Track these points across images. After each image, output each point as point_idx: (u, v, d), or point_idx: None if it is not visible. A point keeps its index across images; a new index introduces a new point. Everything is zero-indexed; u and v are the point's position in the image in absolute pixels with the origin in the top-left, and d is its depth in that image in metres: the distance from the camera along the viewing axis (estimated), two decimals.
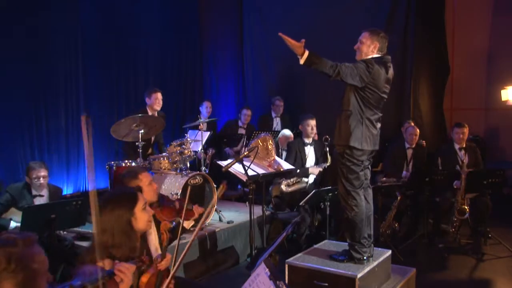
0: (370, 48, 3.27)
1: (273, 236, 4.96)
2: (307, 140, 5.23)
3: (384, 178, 5.37)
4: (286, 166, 4.79)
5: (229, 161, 3.98)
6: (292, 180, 5.08)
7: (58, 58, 5.87)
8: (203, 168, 5.27)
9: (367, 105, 3.22)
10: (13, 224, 3.87)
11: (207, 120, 6.17)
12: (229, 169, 3.87)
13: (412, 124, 6.06)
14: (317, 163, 5.23)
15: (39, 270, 1.33)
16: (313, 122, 5.19)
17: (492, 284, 4.12)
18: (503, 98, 6.86)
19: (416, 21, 6.77)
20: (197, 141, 5.28)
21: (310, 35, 7.69)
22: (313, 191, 4.55)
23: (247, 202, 5.09)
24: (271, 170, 4.57)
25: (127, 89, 6.71)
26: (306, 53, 3.04)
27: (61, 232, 4.01)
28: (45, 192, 4.10)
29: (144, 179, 2.79)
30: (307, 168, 5.12)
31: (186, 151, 4.74)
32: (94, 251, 1.85)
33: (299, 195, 5.05)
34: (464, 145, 5.33)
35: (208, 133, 5.82)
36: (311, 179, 5.21)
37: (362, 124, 3.21)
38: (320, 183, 5.20)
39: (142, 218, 2.12)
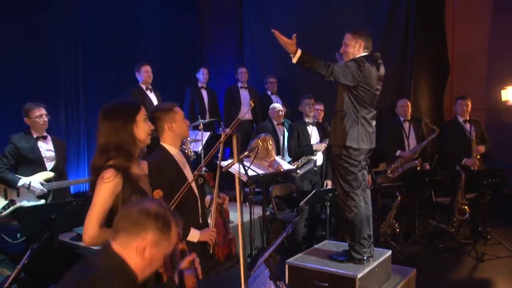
0: (355, 48, 3.29)
1: (273, 236, 4.96)
2: (308, 120, 5.28)
3: (391, 168, 5.33)
4: (286, 166, 4.78)
5: (229, 161, 3.98)
6: (300, 161, 5.10)
7: (58, 58, 5.87)
8: (204, 168, 5.27)
9: (361, 103, 3.23)
10: (21, 182, 3.92)
11: (207, 120, 6.17)
12: (229, 169, 3.87)
13: None
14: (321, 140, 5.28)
15: (173, 235, 1.58)
16: (310, 102, 5.29)
17: (492, 284, 4.12)
18: (503, 98, 6.86)
19: (416, 21, 6.76)
20: (197, 141, 5.28)
21: (310, 35, 7.73)
22: (313, 191, 4.56)
23: (247, 202, 5.09)
24: (271, 170, 4.57)
25: (127, 89, 6.71)
26: (299, 52, 3.02)
27: None
28: (46, 134, 4.18)
29: (179, 112, 2.78)
30: (311, 145, 5.14)
31: (186, 151, 4.74)
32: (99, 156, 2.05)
33: (300, 194, 5.06)
34: (468, 117, 5.37)
35: (208, 133, 5.82)
36: (319, 159, 5.21)
37: (358, 123, 3.22)
38: (327, 159, 5.25)
39: (143, 127, 2.14)
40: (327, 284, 3.18)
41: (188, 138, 4.91)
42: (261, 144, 4.64)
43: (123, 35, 6.64)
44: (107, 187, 1.98)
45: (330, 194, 4.60)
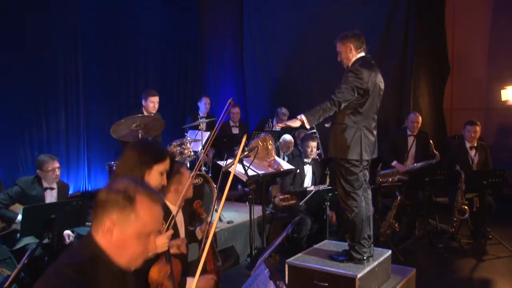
0: (348, 53, 3.30)
1: (273, 236, 4.96)
2: (306, 160, 5.21)
3: (381, 174, 5.31)
4: (286, 166, 4.78)
5: (229, 161, 3.98)
6: (287, 196, 5.05)
7: (58, 58, 5.87)
8: (203, 168, 5.28)
9: (363, 113, 3.20)
10: (19, 218, 3.85)
11: (207, 120, 6.17)
12: (229, 169, 3.87)
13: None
14: (314, 181, 5.21)
15: (140, 207, 1.38)
16: (313, 144, 5.18)
17: (492, 284, 4.12)
18: (503, 98, 6.86)
19: (416, 21, 6.77)
20: (197, 141, 5.28)
21: (309, 35, 7.73)
22: (313, 191, 4.55)
23: (247, 202, 5.09)
24: (271, 170, 4.56)
25: (127, 89, 6.72)
26: (303, 118, 3.08)
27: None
28: (55, 185, 4.10)
29: (185, 174, 2.80)
30: (306, 189, 5.07)
31: (186, 151, 4.74)
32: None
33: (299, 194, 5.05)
34: (475, 144, 5.29)
35: (208, 133, 5.82)
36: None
37: (361, 134, 3.20)
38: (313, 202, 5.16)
39: (155, 178, 2.12)
40: (327, 284, 3.18)
41: (188, 138, 4.91)
42: (261, 144, 4.64)
43: (123, 35, 6.64)
44: None
45: (330, 194, 4.60)
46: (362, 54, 3.29)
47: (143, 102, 5.32)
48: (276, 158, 4.81)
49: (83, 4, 6.14)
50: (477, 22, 7.31)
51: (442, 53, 7.16)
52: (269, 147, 4.72)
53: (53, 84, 5.83)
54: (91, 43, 6.25)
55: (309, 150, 5.17)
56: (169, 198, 2.76)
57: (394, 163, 5.43)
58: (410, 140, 5.59)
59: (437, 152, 5.28)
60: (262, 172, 4.31)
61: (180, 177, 2.73)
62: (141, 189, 1.40)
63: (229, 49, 8.59)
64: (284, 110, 6.85)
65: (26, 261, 2.74)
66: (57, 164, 4.01)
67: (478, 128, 5.25)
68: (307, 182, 5.18)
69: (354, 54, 3.28)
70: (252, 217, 3.85)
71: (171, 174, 2.65)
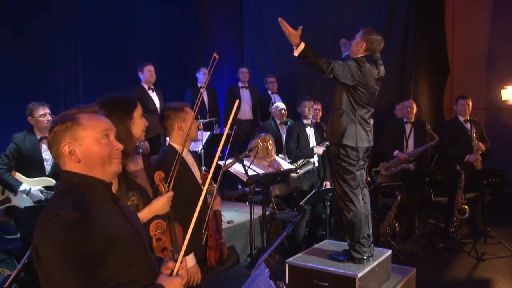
0: (358, 46, 3.30)
1: (273, 236, 4.96)
2: (306, 121, 5.27)
3: (385, 166, 5.34)
4: (286, 166, 4.79)
5: (229, 161, 3.98)
6: (299, 162, 5.09)
7: (58, 58, 5.87)
8: (203, 168, 5.27)
9: (359, 103, 3.22)
10: (22, 187, 3.88)
11: (207, 120, 6.17)
12: (229, 169, 3.87)
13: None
14: (319, 140, 5.27)
15: (82, 118, 1.46)
16: (310, 104, 5.25)
17: (492, 284, 4.12)
18: (503, 98, 6.87)
19: (416, 21, 6.77)
20: (197, 140, 5.28)
21: (309, 35, 7.67)
22: (313, 191, 4.56)
23: (247, 202, 5.10)
24: (271, 170, 4.57)
25: (127, 89, 6.70)
26: (302, 45, 3.01)
27: None
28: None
29: (190, 112, 2.71)
30: (312, 148, 5.14)
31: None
32: None
33: (300, 194, 5.06)
34: (468, 117, 5.39)
35: (208, 133, 5.82)
36: (316, 159, 5.24)
37: (355, 122, 3.21)
38: (325, 161, 5.24)
39: (139, 123, 2.12)
40: (327, 284, 3.18)
41: None
42: (261, 144, 4.65)
43: (123, 35, 6.64)
44: None
45: (330, 194, 4.61)
46: (366, 54, 3.28)
47: (141, 76, 5.61)
48: (276, 158, 4.81)
49: (83, 4, 6.14)
50: (477, 22, 7.31)
51: (442, 53, 7.16)
52: (269, 147, 4.72)
53: (53, 84, 5.83)
54: (91, 43, 6.25)
55: (306, 109, 5.23)
56: (173, 138, 2.68)
57: (396, 152, 5.45)
58: (408, 127, 5.60)
59: (435, 134, 5.37)
60: (262, 171, 4.31)
61: (184, 115, 2.66)
62: (76, 110, 1.49)
63: (229, 49, 8.59)
64: (270, 78, 7.01)
65: (26, 261, 2.74)
66: (47, 110, 4.01)
67: (469, 102, 5.45)
68: (312, 142, 5.23)
69: (360, 52, 3.28)
70: (252, 217, 3.85)
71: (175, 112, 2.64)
